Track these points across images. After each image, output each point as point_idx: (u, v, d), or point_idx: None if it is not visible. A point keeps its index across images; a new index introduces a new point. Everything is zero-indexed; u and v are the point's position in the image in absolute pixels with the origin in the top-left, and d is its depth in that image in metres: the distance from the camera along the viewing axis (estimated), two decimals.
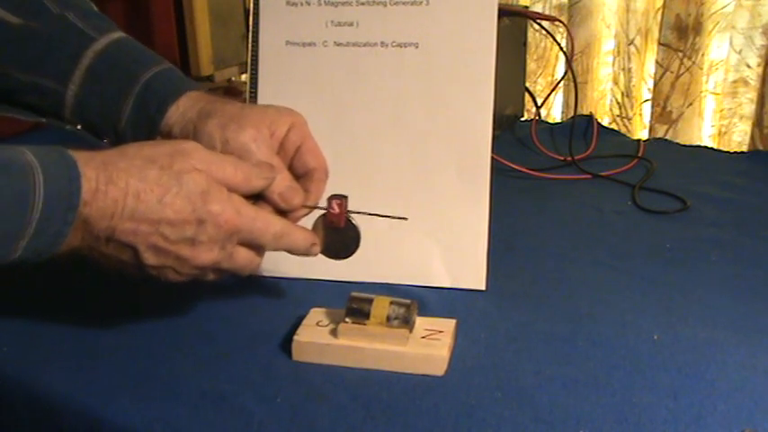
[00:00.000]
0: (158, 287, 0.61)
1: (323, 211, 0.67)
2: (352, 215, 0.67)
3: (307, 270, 0.76)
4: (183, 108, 0.67)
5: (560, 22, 1.20)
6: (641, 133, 1.49)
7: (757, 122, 1.30)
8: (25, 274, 0.58)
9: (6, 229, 0.52)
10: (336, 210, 0.66)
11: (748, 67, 1.37)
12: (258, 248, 0.61)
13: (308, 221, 0.67)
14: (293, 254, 0.64)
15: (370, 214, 0.66)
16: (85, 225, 0.55)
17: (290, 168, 0.67)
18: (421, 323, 0.64)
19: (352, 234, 0.67)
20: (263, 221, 0.60)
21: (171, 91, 0.68)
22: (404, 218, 0.68)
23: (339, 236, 0.67)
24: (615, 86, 1.51)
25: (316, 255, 0.65)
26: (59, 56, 0.68)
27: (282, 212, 0.64)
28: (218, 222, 0.57)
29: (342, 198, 0.66)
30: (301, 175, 0.67)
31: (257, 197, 0.63)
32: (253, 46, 0.78)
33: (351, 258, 0.75)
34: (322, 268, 0.76)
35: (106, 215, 0.54)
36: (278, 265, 0.75)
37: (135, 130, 0.68)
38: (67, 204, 0.53)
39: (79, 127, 0.69)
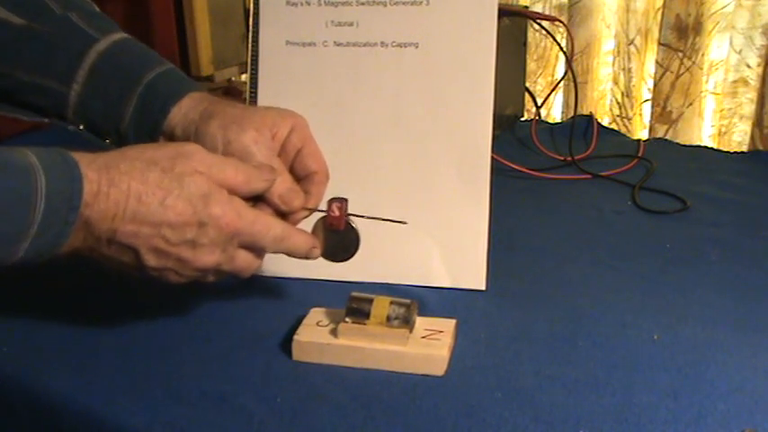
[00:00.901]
0: (158, 287, 0.61)
1: (323, 214, 0.67)
2: (352, 218, 0.67)
3: (307, 270, 0.76)
4: (185, 109, 0.67)
5: (560, 22, 1.20)
6: (641, 133, 1.49)
7: (757, 122, 1.30)
8: (25, 274, 0.58)
9: (9, 230, 0.52)
10: (336, 213, 0.66)
11: (748, 67, 1.37)
12: (258, 251, 0.62)
13: (308, 224, 0.67)
14: (293, 257, 0.64)
15: (369, 218, 0.66)
16: (87, 226, 0.55)
17: (291, 171, 0.67)
18: (421, 323, 0.64)
19: (351, 237, 0.67)
20: (264, 224, 0.60)
21: (173, 92, 0.68)
22: (403, 222, 0.68)
23: (339, 238, 0.67)
24: (615, 86, 1.51)
25: (316, 258, 0.66)
26: (62, 56, 0.68)
27: (283, 215, 0.64)
28: (219, 225, 0.57)
29: (342, 201, 0.66)
30: (302, 178, 0.67)
31: (257, 199, 0.64)
32: (253, 46, 0.78)
33: (351, 258, 0.76)
34: (322, 268, 0.76)
35: (108, 217, 0.54)
36: (278, 265, 0.75)
37: (137, 130, 0.68)
38: (69, 205, 0.53)
39: (81, 127, 0.69)
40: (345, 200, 0.66)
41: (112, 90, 0.68)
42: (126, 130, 0.68)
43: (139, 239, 0.56)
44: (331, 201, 0.66)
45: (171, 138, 0.67)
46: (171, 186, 0.56)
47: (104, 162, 0.55)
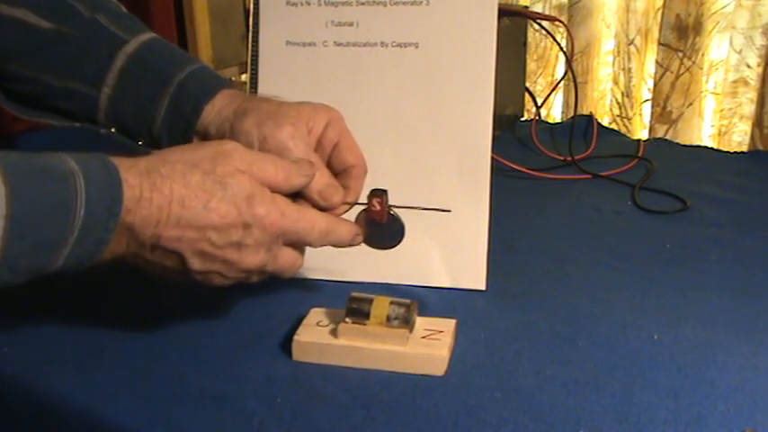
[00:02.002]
0: (158, 287, 0.61)
1: (363, 207, 0.66)
2: (393, 208, 0.66)
3: (307, 270, 0.76)
4: (218, 107, 0.66)
5: (560, 22, 1.20)
6: (641, 133, 1.49)
7: (757, 122, 1.30)
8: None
9: (49, 237, 0.50)
10: (378, 207, 0.65)
11: (748, 67, 1.37)
12: (302, 248, 0.61)
13: (349, 216, 0.66)
14: (338, 247, 0.64)
15: (412, 208, 0.66)
16: (130, 232, 0.54)
17: (329, 165, 0.66)
18: (421, 323, 0.64)
19: (396, 227, 0.67)
20: (309, 221, 0.60)
21: (205, 90, 0.67)
22: (447, 210, 0.67)
23: (383, 229, 0.66)
24: (615, 86, 1.51)
25: (359, 244, 0.65)
26: (92, 59, 0.67)
27: (322, 210, 0.64)
28: (263, 225, 0.57)
29: (382, 193, 0.65)
30: (340, 172, 0.66)
31: (296, 196, 0.63)
32: (253, 46, 0.78)
33: (351, 258, 0.75)
34: (322, 268, 0.76)
35: (151, 223, 0.54)
36: None
37: (170, 131, 0.67)
38: (110, 211, 0.52)
39: (113, 130, 0.68)
40: (385, 191, 0.65)
41: (143, 92, 0.67)
42: (159, 132, 0.67)
43: (184, 244, 0.55)
44: (371, 194, 0.66)
45: (205, 137, 0.66)
46: (214, 189, 0.55)
47: (145, 167, 0.54)
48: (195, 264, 0.56)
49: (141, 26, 0.70)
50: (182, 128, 0.67)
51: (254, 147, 0.63)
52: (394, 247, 0.68)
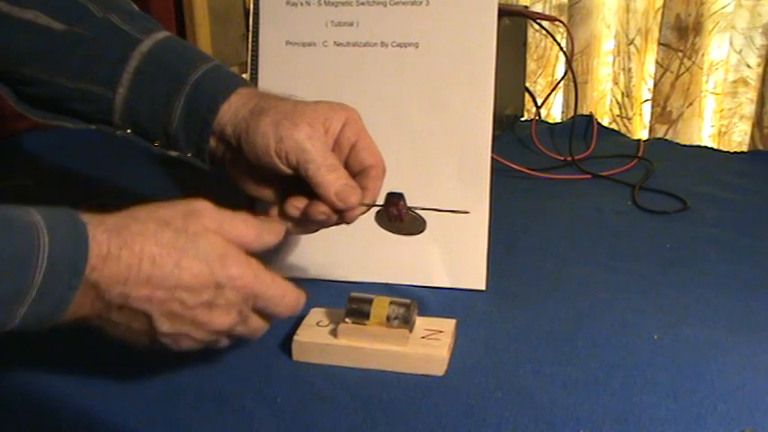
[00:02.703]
0: None
1: (379, 207, 0.66)
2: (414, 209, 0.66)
3: (307, 270, 0.76)
4: (234, 106, 0.65)
5: (560, 22, 1.20)
6: (641, 133, 1.49)
7: (757, 122, 1.30)
8: None
9: (5, 291, 0.48)
10: (395, 212, 0.65)
11: (748, 67, 1.37)
12: (269, 317, 0.59)
13: (367, 217, 0.66)
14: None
15: (431, 209, 0.65)
16: (96, 291, 0.51)
17: (346, 166, 0.64)
18: (421, 323, 0.64)
19: (416, 222, 0.66)
20: (280, 288, 0.58)
21: (221, 89, 0.65)
22: (466, 212, 0.67)
23: (403, 225, 0.66)
24: (615, 86, 1.51)
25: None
26: (106, 61, 0.66)
27: (339, 211, 0.62)
28: (236, 286, 0.55)
29: (398, 199, 0.65)
30: (357, 173, 0.65)
31: (314, 196, 0.62)
32: (253, 46, 0.78)
33: (351, 258, 0.76)
34: (322, 268, 0.76)
35: (119, 281, 0.51)
36: (278, 264, 0.75)
37: (186, 131, 0.66)
38: (73, 269, 0.49)
39: (129, 132, 0.67)
40: (401, 195, 0.65)
41: (159, 92, 0.66)
42: (175, 132, 0.66)
43: (153, 304, 0.53)
44: (388, 198, 0.65)
45: (221, 137, 0.65)
46: (186, 246, 0.53)
47: (114, 224, 0.52)
48: (164, 325, 0.54)
49: (155, 25, 0.69)
50: (198, 127, 0.65)
51: (271, 147, 0.62)
52: (420, 232, 0.68)
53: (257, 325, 0.58)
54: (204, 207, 0.56)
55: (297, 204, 0.63)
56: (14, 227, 0.49)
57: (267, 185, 0.65)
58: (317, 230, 0.65)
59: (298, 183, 0.62)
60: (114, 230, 0.51)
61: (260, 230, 0.59)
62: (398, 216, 0.65)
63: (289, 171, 0.62)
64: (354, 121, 0.65)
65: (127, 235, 0.52)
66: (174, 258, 0.52)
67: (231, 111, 0.64)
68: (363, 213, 0.64)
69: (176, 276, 0.52)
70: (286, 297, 0.58)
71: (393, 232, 0.67)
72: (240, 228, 0.57)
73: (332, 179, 0.61)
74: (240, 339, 0.59)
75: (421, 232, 0.68)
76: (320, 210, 0.62)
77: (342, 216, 0.62)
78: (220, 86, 0.65)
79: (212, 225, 0.55)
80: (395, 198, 0.65)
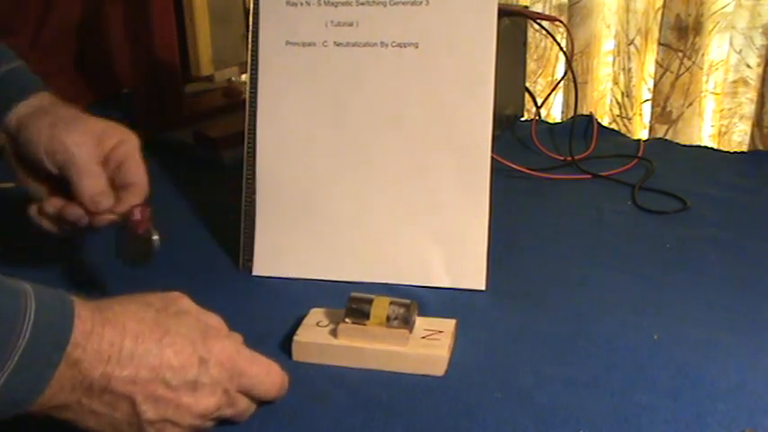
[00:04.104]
0: (158, 287, 0.61)
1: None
2: (151, 227, 0.69)
3: (307, 270, 0.76)
4: (27, 106, 0.71)
5: (560, 22, 1.20)
6: (641, 133, 1.49)
7: (757, 122, 1.30)
8: (25, 273, 0.58)
9: None
10: (138, 217, 0.68)
11: (748, 67, 1.37)
12: (255, 399, 0.58)
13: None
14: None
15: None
16: (77, 370, 0.49)
17: (112, 180, 0.70)
18: (421, 323, 0.64)
19: (150, 243, 0.68)
20: (264, 365, 0.57)
21: (20, 89, 0.71)
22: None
23: (138, 243, 0.69)
24: (615, 86, 1.51)
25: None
26: None
27: (91, 215, 0.68)
28: (220, 360, 0.54)
29: (145, 207, 0.69)
30: (120, 188, 0.70)
31: (70, 198, 0.68)
32: (253, 46, 0.78)
33: (351, 258, 0.75)
34: (322, 268, 0.76)
35: (102, 359, 0.49)
36: (278, 265, 0.75)
37: None
38: (56, 342, 0.48)
39: None
40: (149, 206, 0.69)
41: None
42: None
43: (137, 386, 0.51)
44: (135, 205, 0.69)
45: (7, 131, 0.71)
46: (167, 324, 0.53)
47: (97, 304, 0.52)
48: (147, 411, 0.51)
49: None
50: None
51: (41, 144, 0.68)
52: (147, 263, 0.69)
53: (244, 406, 0.56)
54: (180, 295, 0.58)
55: (55, 203, 0.69)
56: (2, 288, 0.48)
57: (38, 181, 0.71)
58: (69, 231, 0.70)
59: (64, 184, 0.69)
60: (97, 309, 0.51)
61: (230, 332, 0.59)
62: (140, 221, 0.68)
63: (55, 170, 0.69)
64: (129, 143, 0.71)
65: (109, 314, 0.51)
66: (156, 335, 0.52)
67: (24, 110, 0.71)
68: (112, 221, 0.68)
69: (159, 354, 0.51)
70: (271, 374, 0.57)
71: (124, 261, 0.70)
72: (213, 319, 0.58)
73: (89, 184, 0.68)
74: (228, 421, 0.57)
75: (150, 258, 0.69)
76: (73, 211, 0.68)
77: (92, 220, 0.68)
78: (21, 86, 0.72)
79: (192, 310, 0.57)
80: (142, 205, 0.68)
